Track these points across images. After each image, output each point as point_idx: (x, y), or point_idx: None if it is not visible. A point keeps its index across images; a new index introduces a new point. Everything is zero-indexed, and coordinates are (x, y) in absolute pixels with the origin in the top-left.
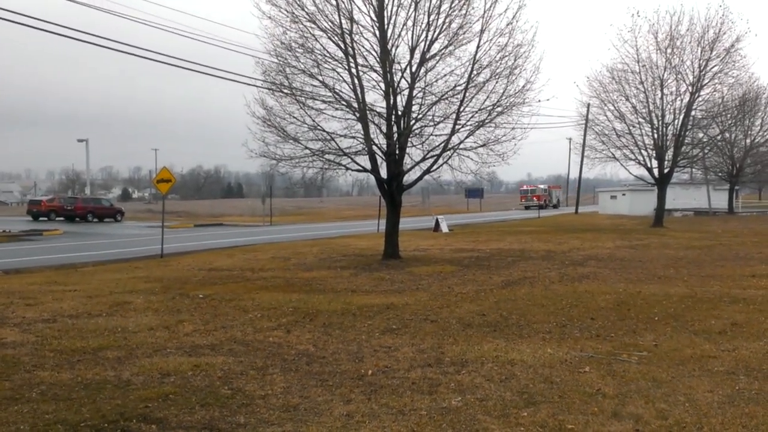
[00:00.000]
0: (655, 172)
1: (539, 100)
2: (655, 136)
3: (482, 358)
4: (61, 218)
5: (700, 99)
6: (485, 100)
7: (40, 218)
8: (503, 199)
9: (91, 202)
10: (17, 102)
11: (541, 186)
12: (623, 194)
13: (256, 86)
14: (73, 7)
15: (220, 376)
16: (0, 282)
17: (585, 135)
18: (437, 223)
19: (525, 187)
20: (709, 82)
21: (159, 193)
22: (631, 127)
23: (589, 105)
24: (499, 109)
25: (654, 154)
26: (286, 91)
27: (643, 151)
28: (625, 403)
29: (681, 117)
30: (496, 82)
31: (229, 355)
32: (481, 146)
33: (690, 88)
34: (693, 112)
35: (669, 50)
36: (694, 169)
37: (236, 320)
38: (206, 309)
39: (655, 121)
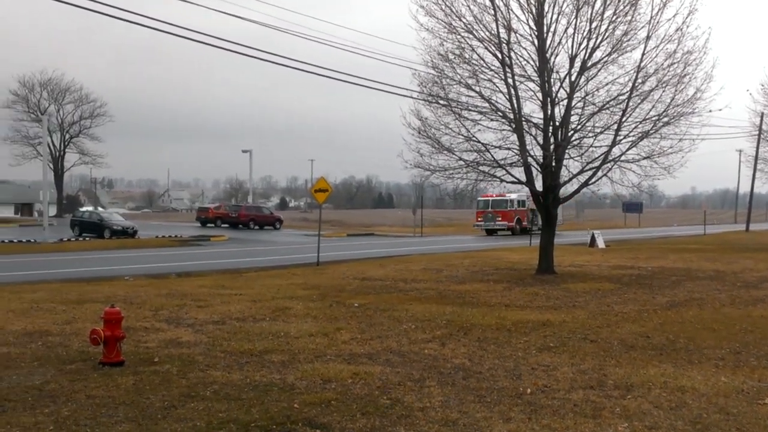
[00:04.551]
0: None
1: (710, 110)
2: None
3: (648, 383)
4: (226, 225)
5: None
6: (650, 110)
7: (208, 224)
8: (664, 214)
9: (253, 210)
10: (189, 115)
11: (513, 196)
12: None
13: (412, 98)
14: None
15: (379, 386)
16: (174, 284)
17: (758, 147)
18: (593, 238)
19: (486, 197)
20: None
21: (314, 202)
22: None
23: (762, 114)
24: (666, 119)
25: None
26: (442, 102)
27: None
28: None
29: None
30: (663, 91)
31: (386, 365)
32: (645, 158)
33: None
34: None
35: None
36: None
37: (391, 330)
38: (362, 318)
39: None
